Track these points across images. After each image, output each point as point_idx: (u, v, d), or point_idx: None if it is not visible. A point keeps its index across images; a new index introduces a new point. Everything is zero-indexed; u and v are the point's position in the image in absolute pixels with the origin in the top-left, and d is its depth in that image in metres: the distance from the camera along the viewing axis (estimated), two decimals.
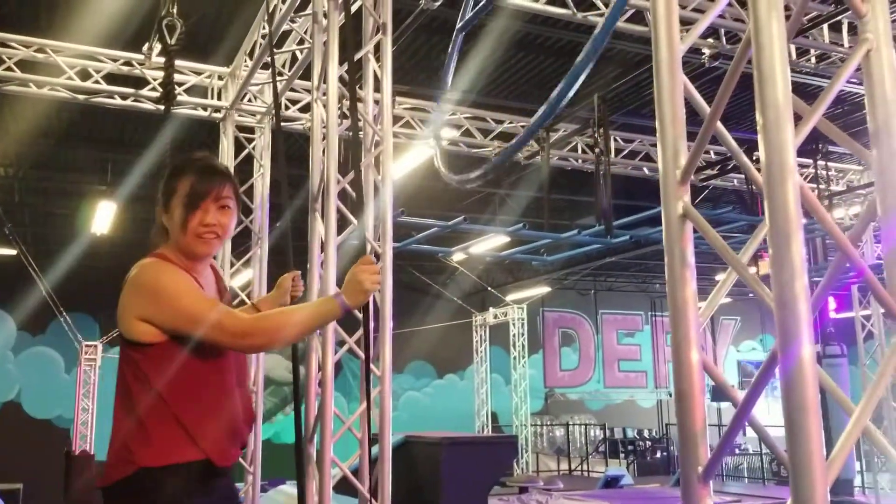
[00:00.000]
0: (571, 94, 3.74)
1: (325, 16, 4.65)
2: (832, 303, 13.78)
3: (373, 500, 4.11)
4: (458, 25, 4.15)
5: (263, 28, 6.80)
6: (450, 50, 3.99)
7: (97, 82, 7.65)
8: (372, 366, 4.36)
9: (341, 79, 4.42)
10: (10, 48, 7.48)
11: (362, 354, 4.39)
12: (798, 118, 1.41)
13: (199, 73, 7.93)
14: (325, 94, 4.49)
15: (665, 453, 19.86)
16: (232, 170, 7.42)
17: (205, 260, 2.57)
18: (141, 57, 7.52)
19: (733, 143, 1.56)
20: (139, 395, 2.33)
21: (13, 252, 14.20)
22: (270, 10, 6.04)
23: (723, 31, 7.37)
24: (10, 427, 16.67)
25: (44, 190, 13.59)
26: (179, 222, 2.45)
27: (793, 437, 1.27)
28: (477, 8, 4.64)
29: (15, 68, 7.48)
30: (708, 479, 1.48)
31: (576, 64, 3.45)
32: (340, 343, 4.48)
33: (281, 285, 3.14)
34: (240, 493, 6.26)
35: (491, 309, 20.10)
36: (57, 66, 7.54)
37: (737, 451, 19.27)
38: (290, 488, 8.72)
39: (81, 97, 7.74)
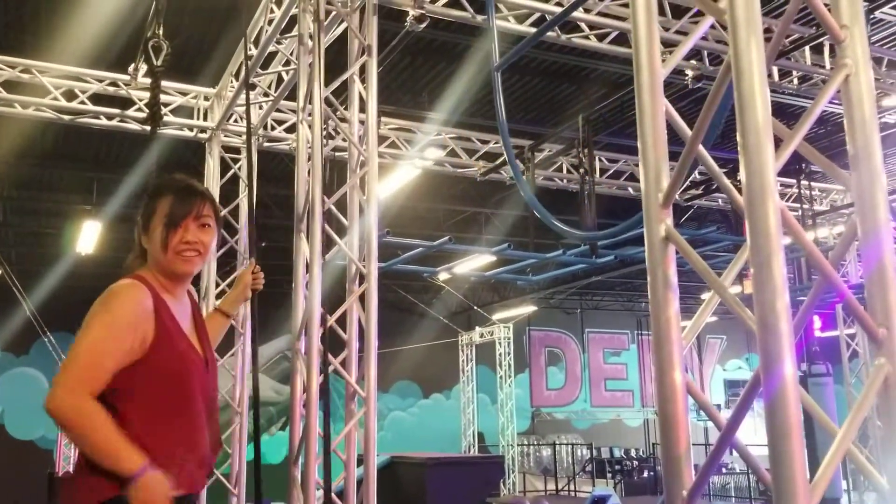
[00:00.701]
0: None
1: (311, 38, 4.67)
2: (817, 321, 13.81)
3: None
4: (494, 66, 4.33)
5: (249, 50, 6.82)
6: (493, 92, 4.17)
7: (83, 103, 7.63)
8: (357, 386, 4.34)
9: (327, 100, 4.44)
10: None
11: (347, 375, 4.38)
12: (780, 141, 1.42)
13: (185, 94, 7.92)
14: (310, 115, 4.50)
15: (652, 473, 19.78)
16: (218, 190, 7.41)
17: (184, 281, 2.56)
18: (127, 77, 7.51)
19: (715, 166, 1.57)
20: None
21: None
22: (252, 38, 6.11)
23: (706, 52, 7.43)
24: None
25: (29, 210, 13.53)
26: (160, 241, 2.45)
27: (776, 461, 1.27)
28: (517, 48, 4.78)
29: (0, 88, 7.46)
30: (693, 503, 1.48)
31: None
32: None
33: (241, 280, 3.12)
34: None
35: (477, 328, 20.05)
36: (42, 86, 7.51)
37: (724, 470, 19.23)
38: None
39: (67, 118, 7.72)
